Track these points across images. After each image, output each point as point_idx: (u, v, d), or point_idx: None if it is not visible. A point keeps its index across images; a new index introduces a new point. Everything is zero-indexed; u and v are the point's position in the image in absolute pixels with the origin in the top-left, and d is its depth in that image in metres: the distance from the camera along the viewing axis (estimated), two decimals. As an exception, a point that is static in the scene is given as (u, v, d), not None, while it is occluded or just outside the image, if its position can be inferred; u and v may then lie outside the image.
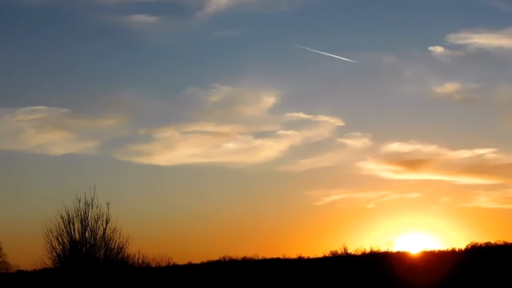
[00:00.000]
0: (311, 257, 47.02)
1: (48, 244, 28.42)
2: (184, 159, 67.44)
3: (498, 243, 43.57)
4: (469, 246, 43.84)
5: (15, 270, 45.53)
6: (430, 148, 65.90)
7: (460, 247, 42.55)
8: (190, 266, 44.71)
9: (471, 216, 61.46)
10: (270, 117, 66.93)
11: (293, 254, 47.93)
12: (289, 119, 68.16)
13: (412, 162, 64.54)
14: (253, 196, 70.46)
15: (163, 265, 37.64)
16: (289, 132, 65.33)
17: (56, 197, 49.90)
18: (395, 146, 67.96)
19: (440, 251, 43.48)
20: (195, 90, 69.16)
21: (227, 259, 47.64)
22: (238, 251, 58.33)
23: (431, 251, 44.06)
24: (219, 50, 71.09)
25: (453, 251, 42.72)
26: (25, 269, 43.42)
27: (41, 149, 65.96)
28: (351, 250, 45.11)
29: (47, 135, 66.87)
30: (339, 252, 45.12)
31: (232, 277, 38.65)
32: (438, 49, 63.15)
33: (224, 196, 69.09)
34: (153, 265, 36.82)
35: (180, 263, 42.37)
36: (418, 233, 53.25)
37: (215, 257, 48.36)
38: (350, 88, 72.31)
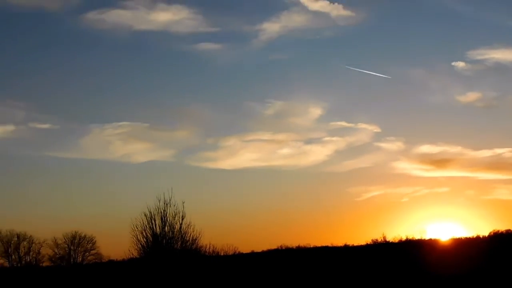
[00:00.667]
0: (355, 244, 50.11)
1: (134, 238, 31.56)
2: (245, 164, 74.37)
3: None
4: (492, 233, 46.36)
5: (106, 260, 49.95)
6: (455, 149, 73.35)
7: (484, 234, 45.69)
8: (252, 254, 48.52)
9: (492, 207, 66.97)
10: (317, 126, 75.08)
11: (339, 243, 51.01)
12: (333, 127, 74.49)
13: (440, 161, 71.11)
14: (304, 193, 76.16)
15: (230, 254, 40.86)
16: (334, 138, 72.68)
17: (140, 198, 56.38)
18: (425, 148, 75.80)
19: (466, 238, 46.74)
20: (253, 105, 77.92)
21: (283, 248, 50.69)
22: (293, 241, 64.32)
23: (459, 238, 47.36)
24: (272, 71, 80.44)
25: (477, 238, 45.91)
26: (115, 259, 47.02)
27: (126, 158, 74.75)
28: (389, 238, 47.67)
29: (131, 146, 74.49)
30: (379, 240, 47.80)
31: (287, 262, 41.59)
32: (460, 64, 70.59)
33: (279, 194, 74.80)
34: (222, 254, 39.88)
35: (244, 252, 45.87)
36: (447, 222, 57.04)
37: (274, 246, 51.44)
38: (385, 99, 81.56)
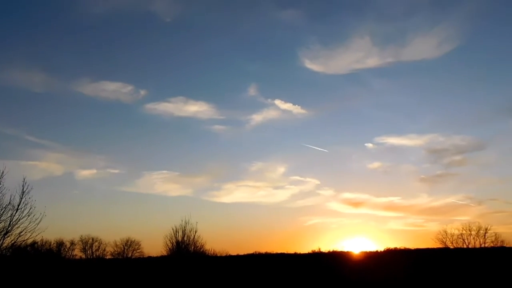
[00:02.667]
0: (301, 252, 67.54)
1: (165, 243, 39.82)
2: (237, 199, 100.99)
3: (400, 247, 64.53)
4: (386, 249, 64.98)
5: (146, 256, 62.89)
6: (365, 196, 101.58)
7: (380, 249, 65.61)
8: (238, 256, 61.49)
9: (386, 233, 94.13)
10: (282, 178, 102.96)
11: (292, 251, 68.74)
12: (291, 180, 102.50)
13: (355, 203, 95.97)
14: (272, 219, 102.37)
15: (223, 255, 52.43)
16: (292, 187, 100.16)
17: (171, 219, 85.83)
18: (347, 195, 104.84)
19: (370, 251, 63.92)
20: (244, 164, 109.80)
21: (257, 253, 66.71)
22: (263, 248, 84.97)
23: (365, 251, 65.02)
24: (257, 144, 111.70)
25: (377, 251, 63.70)
26: (152, 256, 59.48)
27: (164, 193, 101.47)
28: (323, 249, 64.74)
29: (167, 186, 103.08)
30: (317, 250, 64.31)
31: (259, 262, 52.43)
32: (370, 145, 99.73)
33: (257, 219, 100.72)
34: (219, 255, 49.78)
35: (232, 254, 59.43)
36: (358, 240, 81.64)
37: (251, 251, 69.08)
38: (323, 164, 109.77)
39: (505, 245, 50.85)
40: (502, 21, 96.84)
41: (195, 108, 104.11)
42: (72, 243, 61.98)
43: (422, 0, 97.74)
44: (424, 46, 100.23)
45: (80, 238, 62.51)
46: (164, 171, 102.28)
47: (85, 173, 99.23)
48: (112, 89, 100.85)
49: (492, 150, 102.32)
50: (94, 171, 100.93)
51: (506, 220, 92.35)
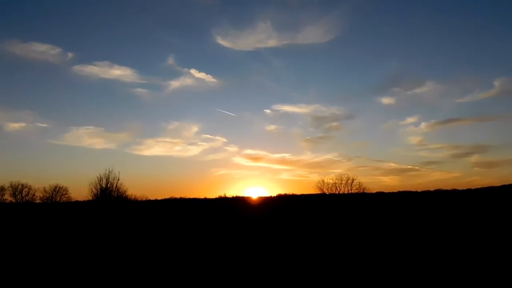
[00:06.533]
0: (211, 197, 76.57)
1: (90, 189, 45.12)
2: (156, 153, 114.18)
3: (289, 193, 76.66)
4: (278, 195, 75.49)
5: (74, 200, 66.01)
6: (263, 152, 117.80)
7: (274, 195, 77.53)
8: (156, 200, 66.61)
9: (279, 182, 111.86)
10: (195, 136, 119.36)
11: (202, 196, 79.13)
12: (203, 138, 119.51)
13: (255, 158, 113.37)
14: (187, 171, 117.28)
15: (143, 199, 57.81)
16: (203, 143, 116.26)
17: (96, 168, 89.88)
18: (248, 151, 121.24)
19: (265, 197, 74.01)
20: (162, 123, 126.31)
21: (173, 197, 73.06)
22: (179, 194, 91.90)
23: (262, 196, 76.21)
24: (174, 106, 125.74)
25: (271, 196, 73.97)
26: (79, 200, 62.83)
27: (90, 146, 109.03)
28: (228, 195, 73.90)
29: (93, 140, 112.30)
30: (223, 195, 72.93)
31: (175, 205, 56.12)
32: (268, 111, 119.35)
33: (173, 170, 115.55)
34: (139, 200, 55.95)
35: (151, 198, 65.72)
36: (256, 188, 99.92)
37: (168, 196, 77.37)
38: (232, 126, 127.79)
39: (366, 191, 63.48)
40: (375, 19, 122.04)
41: (119, 72, 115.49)
42: (2, 188, 63.75)
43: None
44: (314, 33, 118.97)
45: (10, 184, 64.23)
46: (91, 127, 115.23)
47: (14, 125, 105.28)
48: (42, 50, 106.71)
49: (359, 119, 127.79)
50: (23, 124, 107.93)
51: (367, 172, 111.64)
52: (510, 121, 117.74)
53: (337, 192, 61.72)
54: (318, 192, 62.99)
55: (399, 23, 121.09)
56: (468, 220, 27.80)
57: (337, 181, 62.80)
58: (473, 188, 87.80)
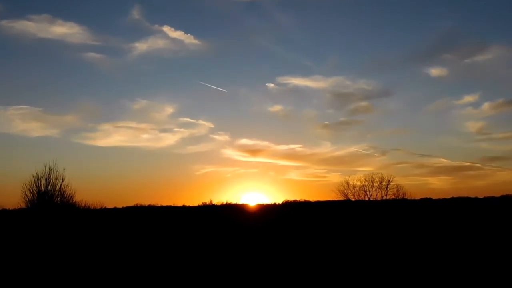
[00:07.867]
0: (190, 205, 73.45)
1: (23, 193, 42.78)
2: (115, 143, 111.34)
3: (300, 200, 72.79)
4: (284, 201, 72.92)
5: (0, 208, 57.85)
6: (264, 143, 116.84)
7: (279, 202, 73.93)
8: (115, 209, 66.12)
9: (285, 184, 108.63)
10: (170, 120, 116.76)
11: (180, 203, 74.28)
12: (181, 122, 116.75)
13: (253, 151, 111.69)
14: (157, 168, 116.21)
15: (98, 208, 55.86)
16: (181, 130, 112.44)
17: (32, 164, 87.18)
18: (244, 141, 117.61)
19: (267, 204, 71.81)
20: (125, 101, 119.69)
21: (138, 205, 70.41)
22: (146, 200, 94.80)
23: (262, 204, 73.23)
24: (141, 78, 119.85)
25: (274, 204, 71.69)
26: (7, 208, 56.52)
27: (23, 132, 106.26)
28: (215, 201, 72.33)
29: (27, 124, 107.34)
30: (208, 203, 71.65)
31: (141, 216, 55.30)
32: (271, 85, 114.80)
33: (139, 167, 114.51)
34: (92, 208, 54.19)
35: (109, 207, 63.51)
36: (255, 193, 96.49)
37: (132, 203, 72.33)
38: (220, 105, 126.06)
39: (406, 197, 62.74)
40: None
41: (63, 30, 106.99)
42: None
43: None
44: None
45: None
46: (24, 106, 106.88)
47: None
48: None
49: (397, 98, 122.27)
50: None
51: (409, 171, 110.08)
52: None
53: (366, 199, 61.44)
54: (341, 198, 62.71)
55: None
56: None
57: (366, 183, 62.54)
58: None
